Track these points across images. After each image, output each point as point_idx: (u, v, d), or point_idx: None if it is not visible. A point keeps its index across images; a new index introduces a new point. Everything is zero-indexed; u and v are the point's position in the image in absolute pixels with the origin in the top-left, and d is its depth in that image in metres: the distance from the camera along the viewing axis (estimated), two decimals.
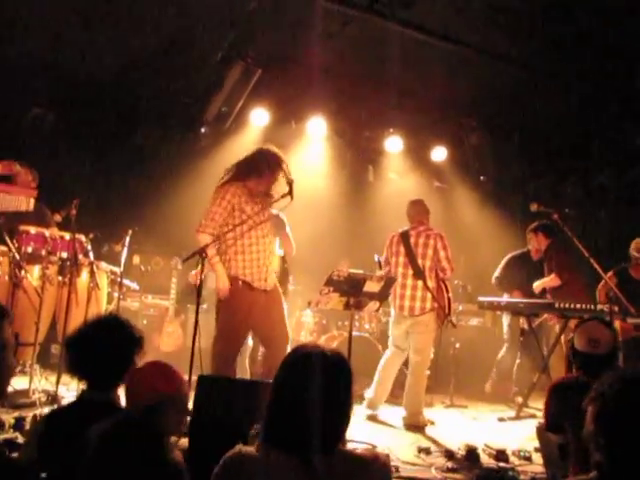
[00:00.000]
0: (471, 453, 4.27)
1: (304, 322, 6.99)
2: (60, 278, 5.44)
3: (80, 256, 5.40)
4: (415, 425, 5.37)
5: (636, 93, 6.51)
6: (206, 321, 4.84)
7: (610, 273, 6.07)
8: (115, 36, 6.42)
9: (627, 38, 5.97)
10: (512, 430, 5.48)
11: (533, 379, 6.06)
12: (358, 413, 5.48)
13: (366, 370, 6.47)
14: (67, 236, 5.35)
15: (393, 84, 7.38)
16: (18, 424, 3.85)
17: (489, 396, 7.01)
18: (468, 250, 8.44)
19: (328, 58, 6.66)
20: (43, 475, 2.22)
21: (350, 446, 3.36)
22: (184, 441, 3.07)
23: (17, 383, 4.85)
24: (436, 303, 5.50)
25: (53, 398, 4.69)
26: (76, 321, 4.78)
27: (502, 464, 4.14)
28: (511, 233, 7.45)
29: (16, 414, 4.12)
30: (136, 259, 7.36)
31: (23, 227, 5.26)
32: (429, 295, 5.49)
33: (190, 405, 3.11)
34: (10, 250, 5.02)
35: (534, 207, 5.75)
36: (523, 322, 6.75)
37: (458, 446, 4.48)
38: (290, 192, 4.47)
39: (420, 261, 5.55)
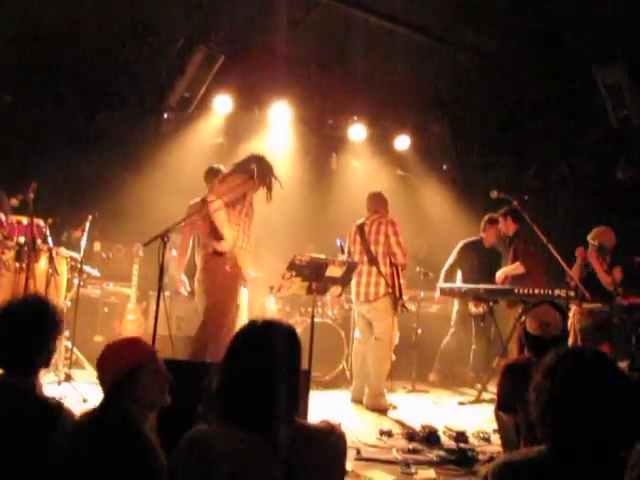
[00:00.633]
0: (432, 435, 4.36)
1: (267, 309, 6.99)
2: (17, 264, 5.30)
3: (38, 241, 5.27)
4: (377, 408, 5.46)
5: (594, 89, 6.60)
6: (168, 308, 4.80)
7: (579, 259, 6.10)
8: (76, 20, 6.29)
9: (589, 31, 6.08)
10: (472, 413, 5.60)
11: (492, 364, 6.17)
12: (323, 399, 5.51)
13: (329, 356, 6.52)
14: (25, 221, 5.24)
15: (357, 72, 7.40)
16: None
17: (450, 382, 7.13)
18: (430, 237, 8.54)
19: (292, 45, 6.62)
20: None
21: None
22: None
23: None
24: (390, 288, 5.62)
25: None
26: None
27: (462, 445, 4.23)
28: (472, 221, 7.55)
29: None
30: (97, 246, 7.25)
31: None
32: (382, 280, 5.64)
33: None
34: None
35: (494, 194, 5.86)
36: (471, 308, 6.89)
37: (419, 429, 4.56)
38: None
39: (373, 247, 5.72)
